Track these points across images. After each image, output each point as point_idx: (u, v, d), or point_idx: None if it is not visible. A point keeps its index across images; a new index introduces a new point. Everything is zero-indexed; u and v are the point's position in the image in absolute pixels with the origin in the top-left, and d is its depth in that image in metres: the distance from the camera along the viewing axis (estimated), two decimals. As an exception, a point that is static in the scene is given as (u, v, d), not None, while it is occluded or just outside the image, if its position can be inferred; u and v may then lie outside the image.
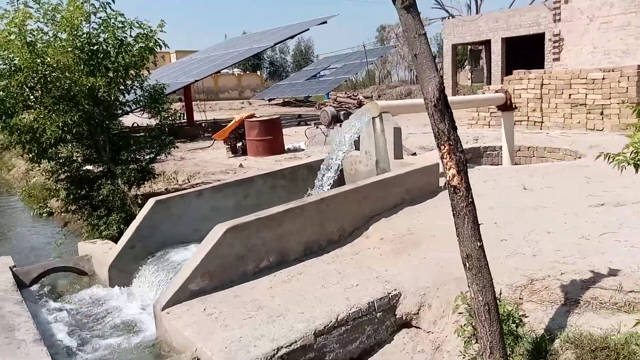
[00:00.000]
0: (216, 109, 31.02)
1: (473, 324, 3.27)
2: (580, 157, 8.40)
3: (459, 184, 2.54)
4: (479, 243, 2.56)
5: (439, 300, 3.95)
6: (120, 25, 6.56)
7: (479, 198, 5.89)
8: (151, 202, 5.50)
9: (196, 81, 15.96)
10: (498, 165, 9.55)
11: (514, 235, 4.73)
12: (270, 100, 36.33)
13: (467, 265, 2.60)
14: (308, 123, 18.80)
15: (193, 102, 18.72)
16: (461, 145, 2.61)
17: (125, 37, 6.63)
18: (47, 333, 4.17)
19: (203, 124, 18.31)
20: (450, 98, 10.01)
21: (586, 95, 10.21)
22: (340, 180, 6.68)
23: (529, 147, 9.63)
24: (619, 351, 2.56)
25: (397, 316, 3.95)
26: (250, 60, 52.82)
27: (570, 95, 10.48)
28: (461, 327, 3.48)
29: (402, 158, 6.48)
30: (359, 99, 29.91)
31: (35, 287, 5.35)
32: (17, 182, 12.48)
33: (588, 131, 10.25)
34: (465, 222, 2.55)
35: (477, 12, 33.03)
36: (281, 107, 33.80)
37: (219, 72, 22.38)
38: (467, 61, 40.75)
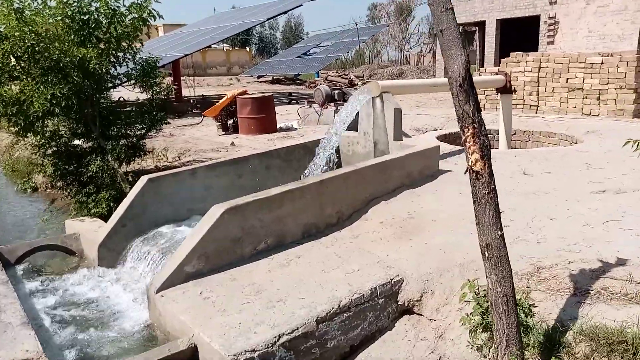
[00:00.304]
0: (204, 84, 30.51)
1: (482, 314, 3.18)
2: (576, 143, 8.34)
3: (482, 169, 2.41)
4: (499, 232, 2.45)
5: (442, 286, 3.86)
6: (112, -6, 6.26)
7: (479, 182, 5.86)
8: (143, 179, 5.31)
9: (185, 55, 15.56)
10: (492, 148, 9.47)
11: (517, 222, 4.64)
12: (259, 77, 35.82)
13: (487, 254, 2.48)
14: (299, 101, 18.55)
15: (181, 78, 18.32)
16: (485, 129, 2.47)
17: (118, 6, 6.32)
18: (34, 316, 4.00)
19: (192, 100, 17.94)
20: (443, 79, 9.79)
21: (584, 79, 10.12)
22: (336, 162, 6.54)
23: (524, 131, 9.55)
24: (637, 346, 2.48)
25: (399, 302, 3.85)
26: (239, 36, 51.94)
27: (567, 79, 10.38)
28: (467, 315, 3.39)
29: (402, 140, 6.34)
30: (350, 78, 29.58)
31: (20, 267, 5.15)
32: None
33: (584, 116, 10.19)
34: (486, 209, 2.43)
35: (471, -7, 32.66)
36: (270, 85, 33.37)
37: (209, 46, 21.87)
38: (458, 42, 40.51)
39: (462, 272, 3.92)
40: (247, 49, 48.53)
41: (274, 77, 35.21)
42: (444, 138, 8.91)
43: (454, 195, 5.37)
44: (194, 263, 4.06)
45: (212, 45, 27.32)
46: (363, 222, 5.03)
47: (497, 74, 8.46)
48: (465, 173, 2.51)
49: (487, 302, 3.18)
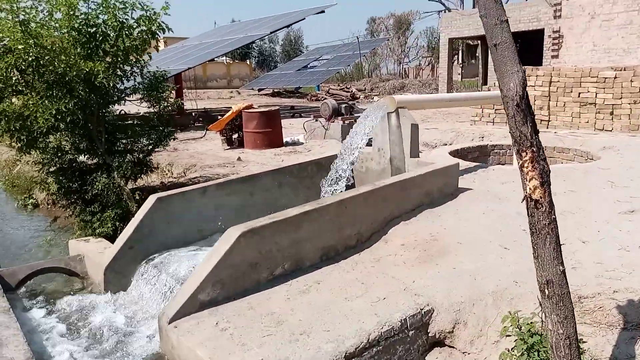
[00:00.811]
0: (205, 97, 30.41)
1: (527, 351, 2.93)
2: (592, 159, 8.13)
3: (541, 197, 2.18)
4: (561, 267, 2.21)
5: (476, 317, 3.61)
6: (121, 6, 6.04)
7: (501, 201, 5.63)
8: (152, 199, 5.06)
9: (189, 69, 15.41)
10: (506, 164, 9.26)
11: (547, 245, 4.39)
12: (259, 90, 35.75)
13: (547, 292, 2.24)
14: (302, 115, 18.39)
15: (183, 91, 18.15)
16: (543, 152, 2.24)
17: (126, 19, 6.11)
18: (37, 349, 3.73)
19: (194, 113, 17.77)
20: (463, 94, 9.67)
21: (596, 94, 9.95)
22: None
23: (537, 147, 9.33)
24: None
25: (430, 334, 3.60)
26: (239, 49, 51.98)
27: (579, 93, 10.21)
28: (508, 351, 3.14)
29: (419, 157, 6.12)
30: (352, 91, 29.55)
31: (22, 291, 4.88)
32: (-1, 170, 11.87)
33: (597, 131, 10.00)
34: (547, 242, 2.19)
35: (473, 7, 32.73)
36: (271, 98, 33.29)
37: (213, 59, 21.76)
38: (457, 56, 40.61)
39: (496, 302, 3.68)
40: (247, 62, 48.56)
41: (275, 90, 35.14)
42: (456, 153, 8.69)
43: (477, 215, 5.14)
44: (208, 290, 3.81)
45: (214, 58, 27.25)
46: (383, 244, 4.78)
47: (511, 88, 8.27)
48: (522, 202, 2.28)
49: (532, 338, 2.94)
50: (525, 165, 2.21)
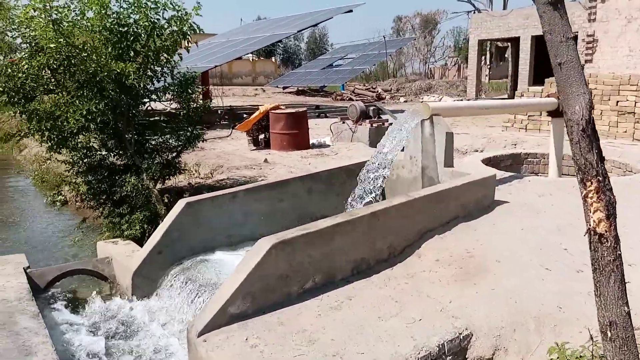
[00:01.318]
0: (229, 94, 30.48)
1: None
2: (631, 171, 7.81)
3: (606, 231, 2.01)
4: (626, 308, 2.04)
5: (517, 343, 3.43)
6: (153, 6, 5.99)
7: (539, 215, 5.40)
8: (181, 204, 5.00)
9: (216, 66, 15.41)
10: (539, 174, 8.98)
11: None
12: (284, 88, 35.73)
13: (609, 334, 2.07)
14: (328, 115, 18.25)
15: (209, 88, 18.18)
16: (609, 182, 2.07)
17: (158, 19, 6.06)
18: (62, 355, 3.68)
19: (219, 111, 17.76)
20: (499, 102, 9.38)
21: (635, 103, 9.59)
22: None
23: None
24: None
25: (468, 360, 3.43)
26: (265, 46, 52.05)
27: (617, 102, 9.86)
28: (554, 384, 2.97)
29: (453, 166, 5.93)
30: (377, 91, 29.30)
31: (50, 292, 4.87)
32: (29, 164, 12.01)
33: (635, 142, 9.63)
34: (611, 280, 2.02)
35: (504, 8, 32.14)
36: (295, 96, 33.24)
37: (240, 57, 21.76)
38: (484, 57, 39.99)
39: (538, 327, 3.50)
40: (273, 60, 48.56)
41: (299, 88, 35.07)
42: (488, 161, 8.45)
43: (515, 230, 4.94)
44: (238, 303, 3.71)
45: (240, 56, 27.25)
46: (417, 259, 4.62)
47: (548, 95, 8.00)
48: (584, 235, 2.10)
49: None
50: (590, 195, 2.04)
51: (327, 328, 3.55)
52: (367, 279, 4.29)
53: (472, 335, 3.47)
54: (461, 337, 3.41)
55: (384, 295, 3.99)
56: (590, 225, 2.06)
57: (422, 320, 3.59)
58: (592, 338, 2.92)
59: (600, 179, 2.03)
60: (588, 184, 2.03)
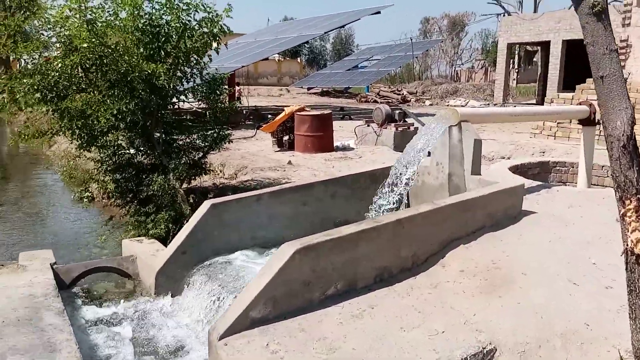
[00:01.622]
0: (255, 94, 30.67)
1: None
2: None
3: (644, 253, 1.93)
4: (662, 335, 1.95)
5: (543, 360, 3.35)
6: (184, 7, 6.06)
7: (568, 227, 5.26)
8: (206, 205, 5.03)
9: (243, 67, 15.52)
10: (568, 183, 8.78)
11: (622, 283, 4.05)
12: (309, 89, 35.78)
13: (644, 361, 1.99)
14: (352, 117, 18.20)
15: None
16: (648, 201, 1.99)
17: (189, 20, 6.13)
18: (85, 351, 3.73)
19: (244, 111, 17.88)
20: (530, 109, 9.20)
21: (671, 112, 9.27)
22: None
23: (602, 166, 8.80)
24: None
25: (492, 375, 3.36)
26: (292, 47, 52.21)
27: (651, 111, 9.55)
28: (581, 405, 2.88)
29: (480, 174, 5.83)
30: (403, 94, 29.12)
31: (75, 289, 4.96)
32: (58, 159, 12.28)
33: (670, 152, 9.33)
34: (647, 305, 1.94)
35: (535, 11, 31.58)
36: (320, 97, 33.26)
37: (266, 58, 21.89)
38: (512, 60, 39.39)
39: (565, 345, 3.41)
40: (298, 60, 48.68)
41: (323, 89, 35.08)
42: (516, 169, 8.29)
43: (543, 242, 4.83)
44: (260, 308, 3.71)
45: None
46: (441, 269, 4.55)
47: (580, 103, 7.80)
48: (621, 255, 2.03)
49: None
50: (628, 214, 1.97)
51: (349, 337, 3.53)
52: (390, 287, 4.25)
53: (496, 350, 3.39)
54: (485, 351, 3.34)
55: (406, 305, 3.94)
56: (627, 245, 1.99)
57: (445, 333, 3.53)
58: (621, 359, 2.83)
59: (640, 197, 1.96)
60: (627, 202, 1.96)
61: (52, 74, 5.84)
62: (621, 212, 2.01)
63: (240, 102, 22.15)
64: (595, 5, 1.89)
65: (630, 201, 1.96)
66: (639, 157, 2.01)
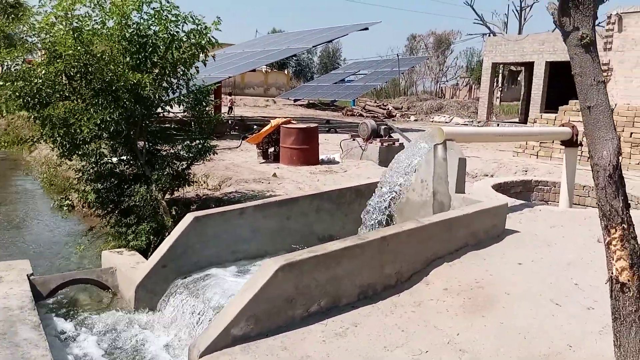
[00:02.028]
0: (241, 104, 30.62)
1: None
2: (644, 204, 7.71)
3: (629, 280, 1.95)
4: (647, 362, 1.96)
5: (525, 382, 3.34)
6: (173, 18, 6.02)
7: (550, 247, 5.30)
8: (189, 218, 4.96)
9: (230, 77, 15.47)
10: (549, 202, 8.89)
11: (604, 304, 4.09)
12: (295, 100, 35.88)
13: (628, 389, 1.99)
14: (338, 130, 18.24)
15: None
16: (634, 230, 2.01)
17: (177, 32, 6.09)
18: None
19: (230, 121, 17.82)
20: (514, 130, 9.35)
21: (649, 135, 9.50)
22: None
23: (583, 186, 8.94)
24: None
25: (474, 397, 3.34)
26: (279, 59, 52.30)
27: (631, 133, 9.78)
28: None
29: (464, 192, 5.87)
30: (388, 109, 29.34)
31: (52, 300, 4.83)
32: (38, 166, 12.06)
33: (648, 174, 9.52)
34: (632, 331, 1.95)
35: (519, 32, 32.20)
36: (306, 109, 33.32)
37: (254, 69, 21.91)
38: (496, 79, 40.02)
39: (548, 366, 3.41)
40: (285, 72, 48.81)
41: (310, 102, 35.21)
42: (499, 187, 8.37)
43: (526, 262, 4.85)
44: (242, 325, 3.65)
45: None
46: (424, 286, 4.54)
47: (562, 125, 7.94)
48: (605, 283, 2.04)
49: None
50: (614, 243, 1.98)
51: (332, 356, 3.48)
52: (374, 305, 4.22)
53: (480, 371, 3.38)
54: (468, 372, 3.33)
55: (390, 324, 3.91)
56: (612, 273, 2.00)
57: (429, 353, 3.51)
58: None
59: (625, 226, 1.97)
60: (612, 231, 1.97)
61: (35, 80, 5.74)
62: (606, 241, 2.02)
63: (232, 112, 22.07)
64: (584, 38, 1.92)
65: (616, 230, 1.98)
66: (624, 186, 2.03)
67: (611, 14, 17.66)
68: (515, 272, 4.66)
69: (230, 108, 24.31)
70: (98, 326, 4.40)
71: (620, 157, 2.01)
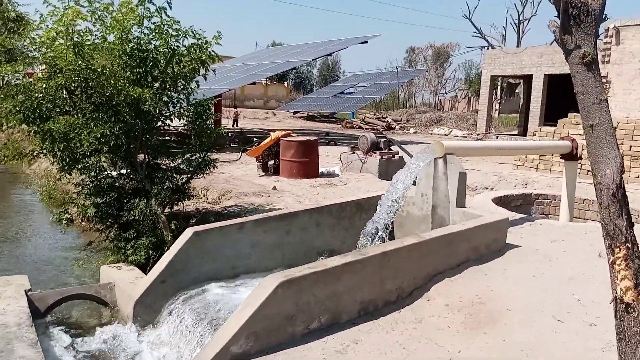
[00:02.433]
0: (240, 116, 30.69)
1: None
2: (644, 218, 7.70)
3: (634, 301, 1.92)
4: (652, 384, 1.93)
5: (529, 401, 3.30)
6: (174, 33, 6.05)
7: (551, 262, 5.28)
8: (188, 233, 4.94)
9: (229, 90, 15.53)
10: (550, 215, 8.88)
11: (606, 320, 4.05)
12: (294, 112, 36.00)
13: (634, 412, 1.96)
14: (337, 143, 18.28)
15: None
16: (639, 249, 1.99)
17: (178, 46, 6.11)
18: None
19: (230, 134, 17.85)
20: (514, 144, 9.36)
21: (649, 148, 9.51)
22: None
23: (584, 200, 8.94)
24: None
25: (477, 416, 3.30)
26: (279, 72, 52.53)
27: (631, 146, 9.79)
28: None
29: (465, 206, 5.85)
30: (388, 121, 29.43)
31: (50, 317, 4.78)
32: (37, 178, 12.04)
33: (648, 187, 9.51)
34: (637, 353, 1.92)
35: (518, 45, 32.39)
36: (305, 121, 33.42)
37: (254, 82, 22.01)
38: (495, 91, 40.17)
39: (551, 385, 3.37)
40: (285, 84, 49.00)
41: (309, 114, 35.33)
42: (499, 201, 8.36)
43: (527, 277, 4.82)
44: (241, 342, 3.61)
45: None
46: (425, 302, 4.51)
47: (562, 138, 7.95)
48: (610, 303, 2.02)
49: None
50: (618, 262, 1.96)
51: (332, 374, 3.44)
52: (374, 321, 4.18)
53: (482, 389, 3.34)
54: (470, 391, 3.28)
55: (391, 341, 3.87)
56: (617, 293, 1.98)
57: (430, 371, 3.47)
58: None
59: (629, 245, 1.96)
60: (616, 250, 1.96)
61: (36, 95, 5.74)
62: (610, 260, 2.00)
63: (237, 124, 22.13)
64: (586, 56, 1.92)
65: (620, 249, 1.96)
66: (627, 205, 2.02)
67: (609, 27, 17.77)
68: (517, 287, 4.62)
69: (235, 121, 24.40)
70: (96, 342, 4.36)
71: (623, 175, 2.00)
